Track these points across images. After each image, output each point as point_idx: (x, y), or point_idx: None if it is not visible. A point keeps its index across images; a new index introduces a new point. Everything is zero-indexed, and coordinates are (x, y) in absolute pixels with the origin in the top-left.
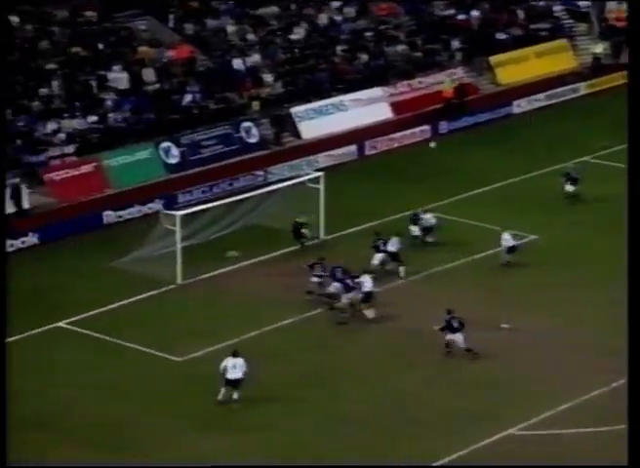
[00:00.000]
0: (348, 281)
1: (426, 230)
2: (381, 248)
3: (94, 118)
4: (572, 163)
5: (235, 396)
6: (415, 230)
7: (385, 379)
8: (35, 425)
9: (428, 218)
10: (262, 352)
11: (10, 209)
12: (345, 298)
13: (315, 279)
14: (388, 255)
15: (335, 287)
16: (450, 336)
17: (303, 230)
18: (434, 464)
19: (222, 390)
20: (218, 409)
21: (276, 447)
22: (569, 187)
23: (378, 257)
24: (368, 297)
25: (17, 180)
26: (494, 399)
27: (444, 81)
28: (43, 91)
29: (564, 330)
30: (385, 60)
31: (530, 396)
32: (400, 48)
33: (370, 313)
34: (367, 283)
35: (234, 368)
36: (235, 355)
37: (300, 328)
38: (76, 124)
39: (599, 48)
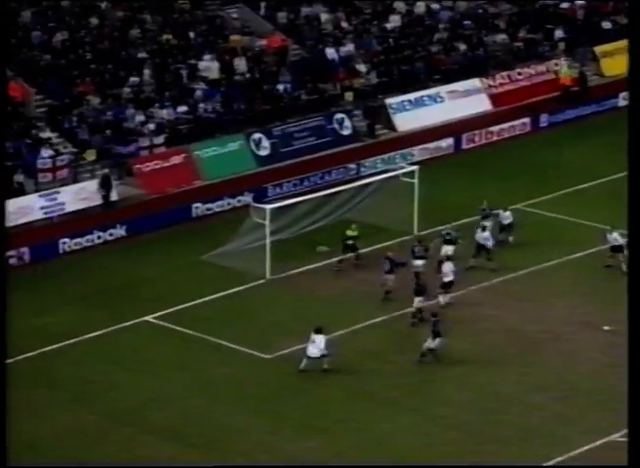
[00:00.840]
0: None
1: (504, 228)
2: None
3: (184, 108)
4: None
5: (325, 366)
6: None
7: (482, 381)
8: (122, 420)
9: (507, 216)
10: (354, 350)
11: (98, 200)
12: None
13: (420, 261)
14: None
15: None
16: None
17: (350, 242)
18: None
19: (304, 361)
20: (306, 408)
21: (370, 447)
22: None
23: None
24: (448, 285)
25: (106, 171)
26: (595, 404)
27: (560, 68)
28: (133, 80)
29: None
30: (484, 51)
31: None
32: (500, 37)
33: (443, 299)
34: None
35: (313, 343)
36: (318, 331)
37: (392, 326)
38: (166, 114)
39: None
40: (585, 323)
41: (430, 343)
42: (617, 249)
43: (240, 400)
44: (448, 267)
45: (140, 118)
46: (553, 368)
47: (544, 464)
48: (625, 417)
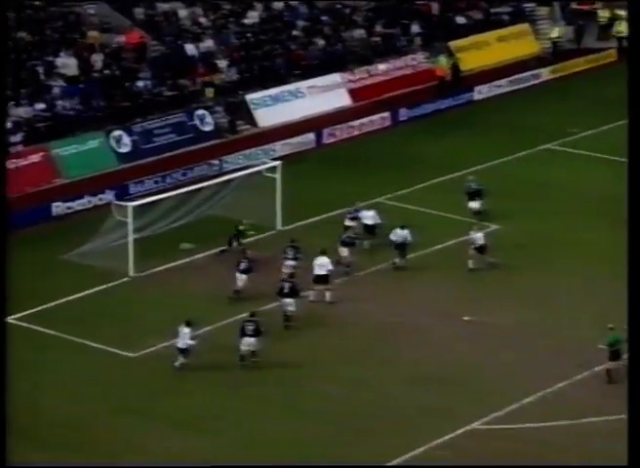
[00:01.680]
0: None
1: (368, 229)
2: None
3: (41, 106)
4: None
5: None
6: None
7: (346, 373)
8: None
9: (371, 216)
10: (220, 346)
11: None
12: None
13: (290, 262)
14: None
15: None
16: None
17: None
18: (393, 462)
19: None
20: (177, 405)
21: (242, 444)
22: (473, 204)
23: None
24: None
25: None
26: (454, 394)
27: (438, 60)
28: None
29: (529, 322)
30: (343, 46)
31: (492, 390)
32: (358, 33)
33: (330, 296)
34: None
35: (181, 335)
36: (187, 324)
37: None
38: (23, 112)
39: (555, 32)
40: (445, 314)
41: (247, 345)
42: (481, 249)
43: (105, 399)
44: (322, 261)
45: None
46: (414, 359)
47: (405, 456)
48: (487, 406)
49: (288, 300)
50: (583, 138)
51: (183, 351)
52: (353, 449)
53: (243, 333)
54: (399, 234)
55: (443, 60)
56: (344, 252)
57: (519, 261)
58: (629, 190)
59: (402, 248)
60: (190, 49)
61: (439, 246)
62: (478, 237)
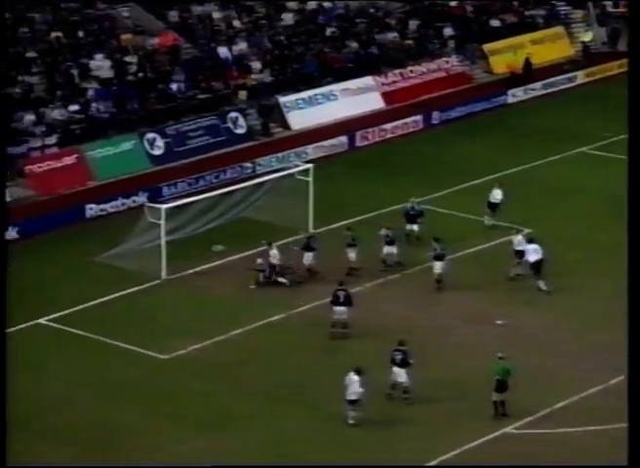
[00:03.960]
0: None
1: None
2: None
3: (75, 107)
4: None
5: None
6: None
7: (378, 377)
8: (19, 425)
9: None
10: (250, 349)
11: None
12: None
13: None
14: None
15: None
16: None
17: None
18: (429, 464)
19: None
20: (204, 408)
21: (272, 446)
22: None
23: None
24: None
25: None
26: (486, 398)
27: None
28: (24, 79)
29: (560, 326)
30: (377, 49)
31: (524, 395)
32: (391, 35)
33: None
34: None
35: (351, 384)
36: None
37: (285, 325)
38: (57, 114)
39: (588, 36)
40: (477, 318)
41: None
42: (519, 253)
43: (137, 401)
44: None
45: (31, 118)
46: (446, 362)
47: (440, 458)
48: (520, 411)
49: (342, 309)
50: (618, 142)
51: (354, 402)
52: (385, 454)
53: (392, 362)
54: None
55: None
56: (391, 249)
57: (551, 266)
58: (629, 190)
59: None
60: (224, 51)
61: (471, 249)
62: (519, 240)
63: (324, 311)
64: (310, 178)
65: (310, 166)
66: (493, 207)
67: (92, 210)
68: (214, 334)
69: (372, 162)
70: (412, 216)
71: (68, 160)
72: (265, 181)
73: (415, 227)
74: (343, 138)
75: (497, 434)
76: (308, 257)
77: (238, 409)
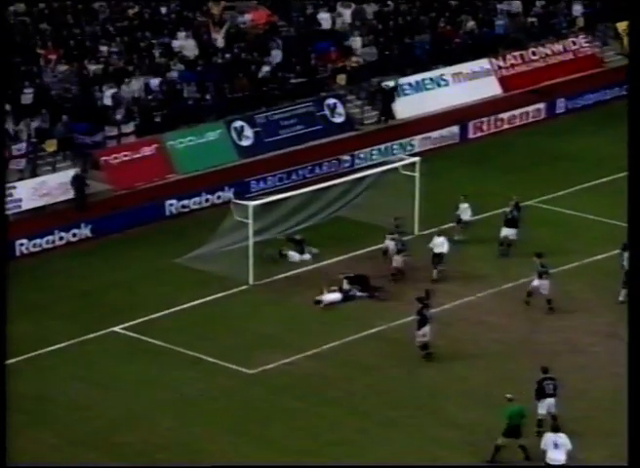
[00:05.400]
0: None
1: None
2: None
3: (156, 81)
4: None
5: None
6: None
7: (488, 398)
8: (85, 444)
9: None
10: (347, 363)
11: (60, 196)
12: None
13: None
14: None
15: None
16: None
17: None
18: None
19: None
20: (295, 429)
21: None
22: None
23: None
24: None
25: (78, 171)
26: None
27: None
28: (102, 51)
29: None
30: (494, 28)
31: None
32: (513, 9)
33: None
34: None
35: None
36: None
37: (389, 336)
38: (137, 91)
39: None
40: (607, 333)
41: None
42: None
43: (220, 420)
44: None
45: (110, 94)
46: (571, 382)
47: None
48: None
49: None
50: None
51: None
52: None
53: (542, 394)
54: (436, 243)
55: None
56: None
57: None
58: (630, 189)
59: (440, 258)
60: (325, 19)
61: (598, 256)
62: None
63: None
64: (417, 174)
65: (417, 159)
66: (464, 223)
67: (172, 206)
68: (306, 347)
69: (486, 156)
70: (510, 220)
71: (147, 150)
72: (366, 176)
73: (511, 233)
74: (455, 129)
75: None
76: (398, 261)
77: (336, 432)
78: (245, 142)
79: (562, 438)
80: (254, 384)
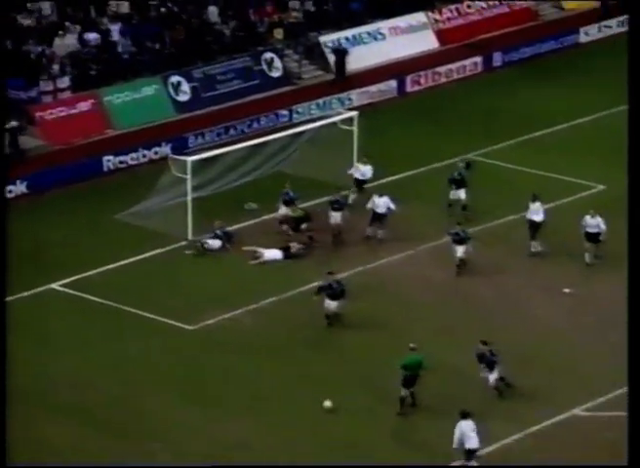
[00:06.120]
0: None
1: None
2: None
3: (93, 36)
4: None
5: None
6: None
7: (433, 350)
8: (26, 401)
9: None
10: (286, 320)
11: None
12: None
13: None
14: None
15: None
16: None
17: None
18: (488, 450)
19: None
20: (237, 385)
21: (311, 428)
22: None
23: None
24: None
25: (14, 123)
26: (555, 377)
27: None
28: (33, 6)
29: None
30: None
31: (594, 375)
32: None
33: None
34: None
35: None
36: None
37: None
38: (72, 43)
39: None
40: (545, 287)
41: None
42: (591, 237)
43: (160, 378)
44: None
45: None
46: (512, 335)
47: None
48: (589, 392)
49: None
50: None
51: (472, 453)
52: (445, 439)
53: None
54: (378, 203)
55: None
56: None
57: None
58: (630, 190)
59: (382, 218)
60: None
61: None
62: (592, 224)
63: (367, 277)
64: (355, 128)
65: (355, 114)
66: (360, 183)
67: (110, 162)
68: (246, 303)
69: (423, 110)
70: (458, 180)
71: (84, 106)
72: (304, 131)
73: (462, 194)
74: (392, 83)
75: (565, 416)
76: (336, 217)
77: (280, 388)
78: (182, 97)
79: (471, 424)
80: (194, 340)
